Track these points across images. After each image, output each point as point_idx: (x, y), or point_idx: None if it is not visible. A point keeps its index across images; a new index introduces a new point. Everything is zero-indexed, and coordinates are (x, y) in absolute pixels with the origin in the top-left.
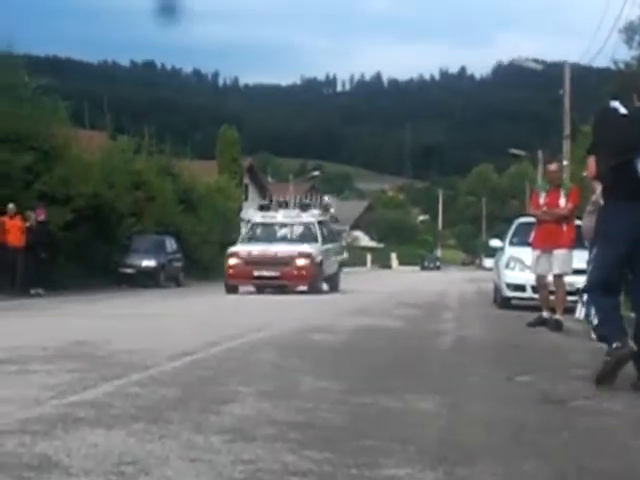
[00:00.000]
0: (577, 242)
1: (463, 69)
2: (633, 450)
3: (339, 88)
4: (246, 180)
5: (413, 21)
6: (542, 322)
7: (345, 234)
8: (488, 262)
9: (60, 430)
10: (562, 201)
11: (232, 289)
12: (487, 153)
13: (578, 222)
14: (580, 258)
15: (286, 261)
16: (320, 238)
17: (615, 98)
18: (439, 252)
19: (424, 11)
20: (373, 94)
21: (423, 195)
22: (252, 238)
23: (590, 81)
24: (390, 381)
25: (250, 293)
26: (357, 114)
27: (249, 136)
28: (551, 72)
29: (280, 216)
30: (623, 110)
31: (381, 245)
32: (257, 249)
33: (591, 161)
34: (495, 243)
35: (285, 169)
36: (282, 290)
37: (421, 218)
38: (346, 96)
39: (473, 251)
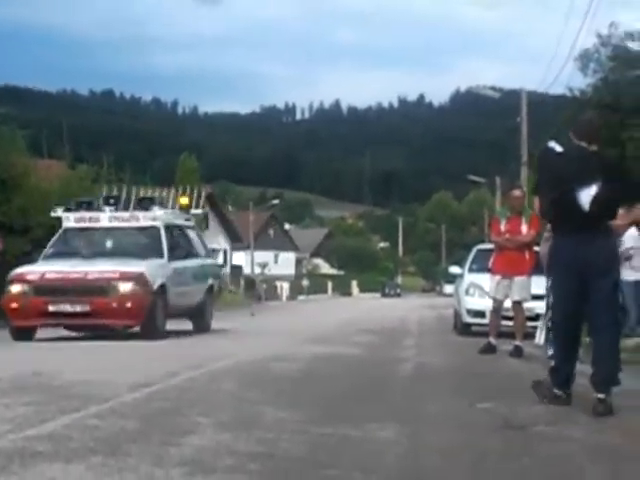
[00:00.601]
0: (535, 268)
1: (421, 97)
2: (591, 476)
3: (298, 116)
4: (206, 209)
5: (372, 49)
6: (490, 348)
7: (305, 261)
8: (448, 288)
9: (17, 465)
10: (524, 228)
11: (23, 334)
12: (446, 180)
13: (536, 248)
14: (538, 284)
15: (101, 288)
16: (166, 250)
17: (553, 138)
18: (400, 279)
19: (383, 39)
20: (332, 121)
21: (383, 222)
22: (59, 253)
23: (547, 108)
24: (350, 410)
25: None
26: (317, 141)
27: (209, 164)
28: (508, 100)
29: (105, 218)
30: (559, 149)
31: (342, 272)
32: (56, 269)
33: (536, 200)
34: (455, 270)
35: (245, 197)
36: (99, 334)
37: (381, 245)
38: (305, 124)
39: (433, 278)
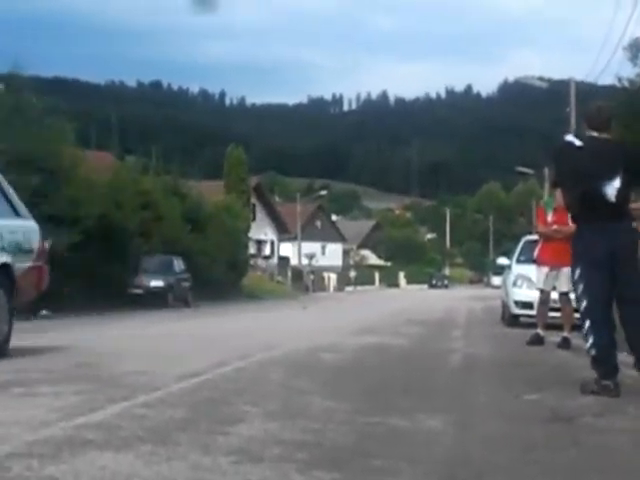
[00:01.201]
0: None
1: (469, 87)
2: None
3: (346, 107)
4: (253, 200)
5: (418, 39)
6: (538, 340)
7: (352, 252)
8: (496, 280)
9: (67, 453)
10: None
11: None
12: (494, 171)
13: None
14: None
15: None
16: None
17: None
18: (447, 270)
19: (428, 29)
20: (380, 113)
21: (430, 213)
22: None
23: (595, 98)
24: (398, 400)
25: None
26: (364, 133)
27: (256, 156)
28: (557, 89)
29: None
30: (578, 142)
31: (389, 264)
32: None
33: (559, 193)
34: (502, 261)
35: (292, 188)
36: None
37: (429, 236)
38: (353, 115)
39: (481, 269)
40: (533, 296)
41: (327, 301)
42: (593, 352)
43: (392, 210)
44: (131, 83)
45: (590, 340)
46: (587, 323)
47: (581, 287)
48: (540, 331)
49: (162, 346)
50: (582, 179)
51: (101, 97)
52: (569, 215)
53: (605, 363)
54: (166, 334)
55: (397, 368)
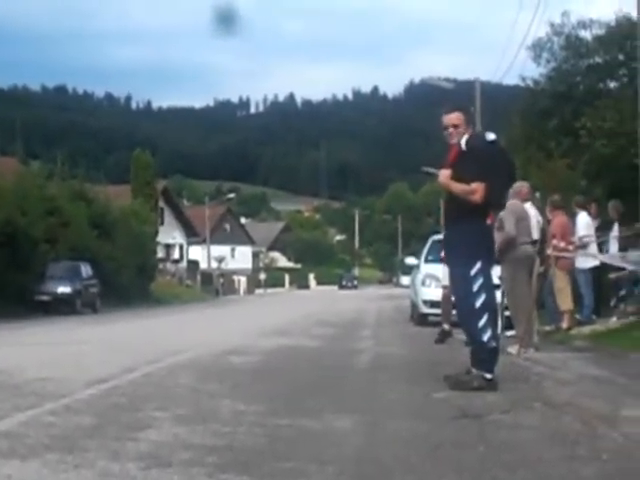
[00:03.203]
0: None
1: (375, 89)
2: (547, 463)
3: (253, 109)
4: (161, 204)
5: (326, 42)
6: (445, 335)
7: (262, 255)
8: (405, 280)
9: None
10: None
11: None
12: (401, 172)
13: None
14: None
15: None
16: None
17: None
18: (356, 271)
19: (336, 32)
20: (287, 115)
21: (339, 215)
22: None
23: (500, 99)
24: (308, 401)
25: None
26: (271, 135)
27: (163, 159)
28: (462, 90)
29: None
30: (491, 138)
31: (299, 266)
32: None
33: (479, 187)
34: (411, 261)
35: (200, 192)
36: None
37: (338, 238)
38: (260, 117)
39: (390, 269)
40: (441, 295)
41: (237, 304)
42: (493, 344)
43: (301, 212)
44: (35, 87)
45: (488, 333)
46: (485, 317)
47: (479, 282)
48: (446, 326)
49: (69, 353)
50: (502, 175)
51: (4, 102)
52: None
53: (496, 357)
54: (73, 341)
55: (307, 369)
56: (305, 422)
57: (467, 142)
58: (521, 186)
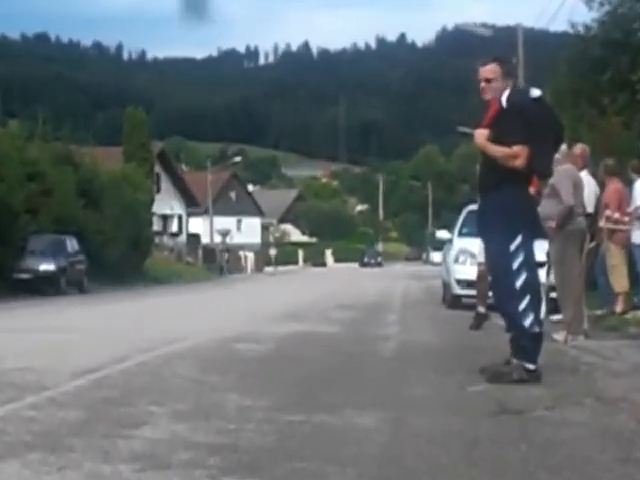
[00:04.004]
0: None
1: (403, 36)
2: (597, 465)
3: (262, 61)
4: (157, 169)
5: None
6: (481, 319)
7: (272, 228)
8: (436, 256)
9: None
10: None
11: None
12: (433, 132)
13: None
14: (538, 249)
15: None
16: None
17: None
18: (380, 246)
19: None
20: (301, 67)
21: (361, 182)
22: None
23: (546, 47)
24: (325, 395)
25: None
26: (284, 90)
27: (160, 118)
28: (502, 38)
29: None
30: (536, 94)
31: (314, 240)
32: None
33: (522, 151)
34: (443, 235)
35: (202, 155)
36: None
37: (359, 208)
38: (270, 70)
39: (419, 244)
40: (477, 274)
41: (244, 284)
42: (536, 330)
43: (317, 179)
44: (14, 36)
45: (530, 317)
46: (526, 298)
47: (520, 258)
48: (481, 308)
49: (53, 339)
50: (548, 137)
51: None
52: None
53: (540, 345)
54: (58, 325)
55: (324, 358)
56: (321, 418)
57: (508, 98)
58: (579, 149)
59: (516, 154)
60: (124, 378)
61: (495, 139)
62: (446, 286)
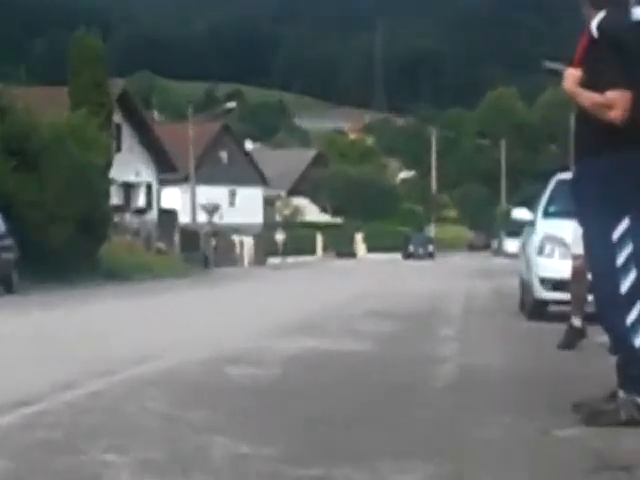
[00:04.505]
0: None
1: None
2: None
3: None
4: (117, 118)
5: None
6: (576, 334)
7: (279, 203)
8: (511, 244)
9: None
10: None
11: None
12: (507, 69)
13: None
14: None
15: None
16: None
17: None
18: (432, 230)
19: None
20: None
21: (405, 139)
22: None
23: None
24: (350, 440)
25: None
26: (295, 9)
27: (121, 46)
28: None
29: None
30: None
31: (338, 220)
32: None
33: (620, 97)
34: (521, 214)
35: (180, 99)
36: None
37: (402, 176)
38: None
39: (487, 227)
40: (570, 270)
41: (238, 281)
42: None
43: (343, 133)
44: None
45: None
46: (637, 308)
47: (628, 250)
48: (576, 320)
49: None
50: None
51: None
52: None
53: None
54: None
55: (349, 389)
56: (345, 473)
57: (599, 25)
58: None
59: (611, 102)
60: (70, 413)
61: (587, 83)
62: (526, 287)
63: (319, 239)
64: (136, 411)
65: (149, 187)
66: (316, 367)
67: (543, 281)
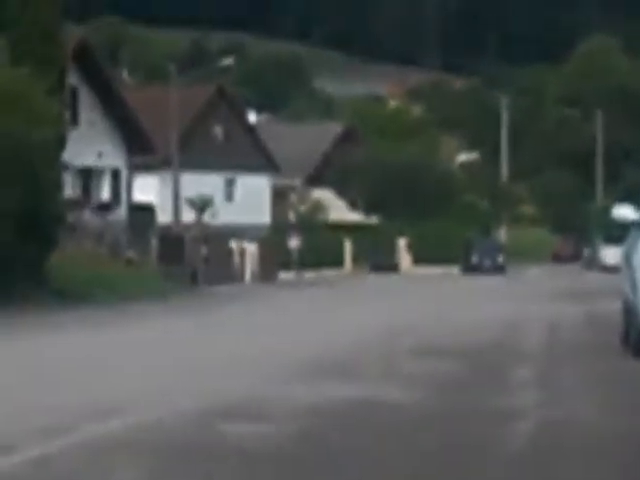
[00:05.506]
0: None
1: None
2: None
3: None
4: (74, 79)
5: None
6: None
7: (294, 195)
8: (611, 254)
9: None
10: None
11: None
12: (604, 11)
13: None
14: None
15: None
16: None
17: None
18: (503, 234)
19: None
20: None
21: (464, 107)
22: None
23: None
24: None
25: None
26: None
27: None
28: None
29: None
30: None
31: (374, 220)
32: None
33: None
34: (626, 213)
35: (160, 53)
36: None
37: (463, 158)
38: None
39: (578, 231)
40: None
41: (238, 305)
42: None
43: (380, 100)
44: None
45: None
46: None
47: None
48: None
49: None
50: None
51: None
52: None
53: None
54: None
55: (397, 456)
56: None
57: None
58: None
59: None
60: None
61: None
62: (631, 315)
63: (347, 246)
64: None
65: (116, 174)
66: (344, 423)
67: None
